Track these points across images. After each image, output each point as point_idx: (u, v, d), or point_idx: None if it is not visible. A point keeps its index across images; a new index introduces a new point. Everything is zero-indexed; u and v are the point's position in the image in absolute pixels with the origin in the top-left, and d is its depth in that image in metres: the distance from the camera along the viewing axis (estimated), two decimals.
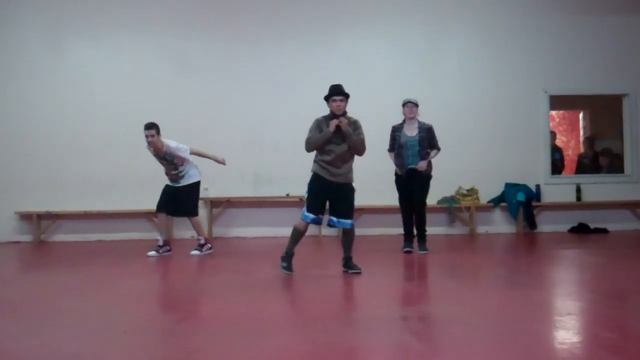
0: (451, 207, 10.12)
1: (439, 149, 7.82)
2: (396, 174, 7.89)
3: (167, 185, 8.28)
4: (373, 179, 9.76)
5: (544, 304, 4.86)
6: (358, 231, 10.05)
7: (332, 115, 6.21)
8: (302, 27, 10.48)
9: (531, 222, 10.24)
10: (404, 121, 7.86)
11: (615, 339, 3.68)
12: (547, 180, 10.57)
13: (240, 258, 7.88)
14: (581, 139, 13.38)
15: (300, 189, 9.80)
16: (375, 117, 9.82)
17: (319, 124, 6.24)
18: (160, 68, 10.37)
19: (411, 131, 7.75)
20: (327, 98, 6.26)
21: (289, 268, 6.27)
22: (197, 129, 10.15)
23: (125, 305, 4.94)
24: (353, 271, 6.31)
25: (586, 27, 10.66)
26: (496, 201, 10.36)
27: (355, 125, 6.30)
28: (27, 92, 10.29)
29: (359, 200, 9.87)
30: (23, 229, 10.18)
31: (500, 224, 10.46)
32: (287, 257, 6.30)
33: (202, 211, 10.19)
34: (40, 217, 10.11)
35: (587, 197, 10.52)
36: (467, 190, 10.21)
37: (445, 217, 10.22)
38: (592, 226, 10.28)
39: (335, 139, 6.15)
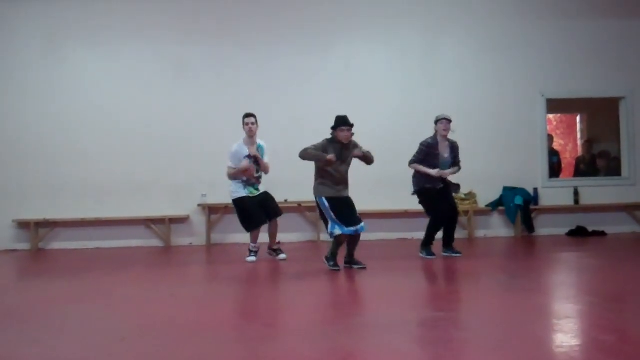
0: None
1: (460, 168, 7.84)
2: (428, 189, 7.59)
3: (249, 199, 7.76)
4: (372, 185, 9.77)
5: (542, 307, 4.85)
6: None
7: (337, 142, 6.76)
8: (299, 32, 10.48)
9: (529, 226, 10.24)
10: (435, 137, 7.61)
11: (614, 342, 3.68)
12: (544, 184, 10.57)
13: (238, 264, 7.86)
14: (579, 142, 13.41)
15: (298, 195, 9.82)
16: (373, 121, 9.88)
17: (325, 147, 6.75)
18: (158, 74, 10.37)
19: (445, 150, 7.61)
20: (334, 128, 6.78)
21: (335, 265, 6.83)
22: (196, 134, 10.20)
23: (124, 313, 4.93)
24: (359, 267, 6.84)
25: (583, 31, 10.68)
26: (494, 205, 10.36)
27: (356, 145, 6.94)
28: (24, 99, 10.29)
29: (357, 206, 9.92)
30: (21, 237, 10.16)
31: (498, 228, 10.47)
32: (332, 257, 6.86)
33: (200, 218, 10.21)
34: (38, 225, 10.10)
35: (585, 200, 10.52)
36: (465, 195, 10.20)
37: None
38: (590, 229, 10.28)
39: (341, 165, 6.79)
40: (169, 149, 10.24)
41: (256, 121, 7.87)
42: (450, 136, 7.67)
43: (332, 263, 6.82)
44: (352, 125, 6.76)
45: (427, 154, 7.55)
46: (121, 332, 4.22)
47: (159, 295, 5.71)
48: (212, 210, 10.18)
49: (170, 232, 10.16)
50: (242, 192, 7.78)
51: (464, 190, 10.23)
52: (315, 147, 6.76)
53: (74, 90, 10.31)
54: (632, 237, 10.03)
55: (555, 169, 11.23)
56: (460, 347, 3.69)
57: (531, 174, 10.55)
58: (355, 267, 6.85)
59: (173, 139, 10.25)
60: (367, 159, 6.91)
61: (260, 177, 7.91)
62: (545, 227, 10.42)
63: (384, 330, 4.09)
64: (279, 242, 8.08)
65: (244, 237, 10.13)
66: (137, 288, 6.24)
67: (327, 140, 6.82)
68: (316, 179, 6.88)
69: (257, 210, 7.73)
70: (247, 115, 7.90)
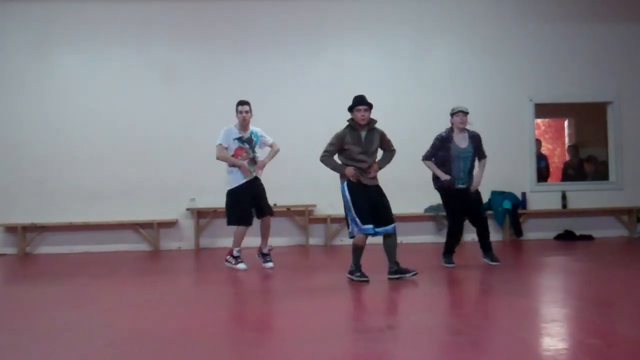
0: (438, 216, 10.14)
1: (485, 157, 7.43)
2: (449, 189, 7.21)
3: (244, 188, 7.27)
4: None
5: (529, 311, 4.87)
6: (345, 241, 10.14)
7: (356, 125, 6.28)
8: (288, 36, 10.48)
9: (517, 230, 10.28)
10: (451, 130, 7.27)
11: (600, 345, 3.70)
12: (532, 188, 10.62)
13: (227, 269, 7.84)
14: (566, 146, 13.49)
15: (287, 199, 9.84)
16: None
17: (341, 137, 6.27)
18: (147, 78, 10.33)
19: (462, 142, 7.18)
20: (351, 108, 6.31)
21: (363, 275, 6.23)
22: (183, 138, 10.16)
23: (111, 318, 4.90)
24: (410, 274, 6.29)
25: (571, 36, 10.75)
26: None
27: (383, 136, 6.43)
28: (13, 103, 10.23)
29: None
30: (8, 242, 10.09)
31: None
32: (357, 269, 6.28)
33: (189, 222, 10.19)
34: (25, 229, 10.03)
35: (572, 204, 10.58)
36: None
37: (432, 226, 10.24)
38: (577, 233, 10.32)
39: (363, 154, 6.24)
40: (158, 152, 10.21)
41: (250, 109, 7.41)
42: (469, 127, 7.33)
43: (357, 274, 6.22)
44: (370, 105, 6.26)
45: (439, 147, 7.22)
46: (108, 337, 4.20)
47: (146, 300, 5.68)
48: (200, 214, 10.15)
49: (159, 236, 10.12)
50: (240, 181, 7.26)
51: None
52: (333, 144, 6.26)
53: (63, 94, 10.26)
54: (619, 241, 10.09)
55: (543, 174, 11.28)
56: (448, 351, 3.70)
57: (519, 178, 10.58)
58: (405, 276, 6.25)
59: (161, 143, 10.22)
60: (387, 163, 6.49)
61: (255, 158, 7.41)
62: (533, 231, 10.46)
63: (373, 335, 4.09)
64: (271, 247, 7.64)
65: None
66: (125, 293, 6.21)
67: (341, 132, 6.29)
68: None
69: (247, 207, 7.27)
70: (241, 103, 7.38)
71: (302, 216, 10.06)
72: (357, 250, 6.26)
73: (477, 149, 7.28)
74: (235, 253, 7.40)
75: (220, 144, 7.35)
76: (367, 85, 10.43)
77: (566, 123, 13.73)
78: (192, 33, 10.40)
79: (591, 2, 10.84)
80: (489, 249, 7.39)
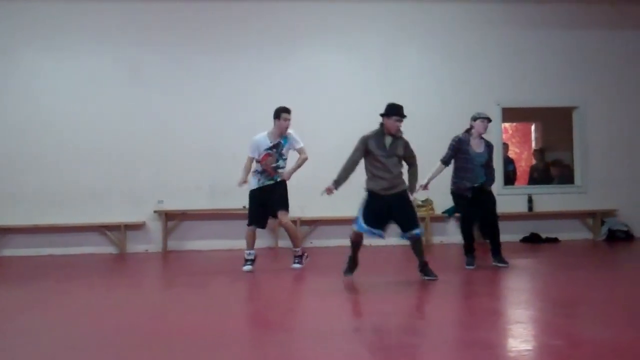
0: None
1: (494, 169, 7.59)
2: (459, 191, 7.36)
3: (255, 192, 7.42)
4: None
5: (494, 312, 4.92)
6: (315, 243, 10.15)
7: (384, 132, 6.28)
8: (259, 39, 10.44)
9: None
10: (468, 133, 7.35)
11: (563, 346, 3.75)
12: (499, 191, 10.67)
13: (195, 272, 7.79)
14: (533, 150, 13.67)
15: None
16: (333, 127, 9.94)
17: (365, 140, 6.28)
18: (115, 79, 10.21)
19: (479, 147, 7.29)
20: (386, 115, 6.28)
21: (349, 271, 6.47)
22: (153, 140, 10.07)
23: (75, 321, 4.83)
24: (429, 278, 6.33)
25: (538, 42, 10.91)
26: (450, 212, 10.44)
27: (407, 145, 6.43)
28: None
29: (316, 212, 9.94)
30: None
31: (454, 234, 10.54)
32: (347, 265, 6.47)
33: (157, 224, 10.08)
34: None
35: (538, 207, 10.73)
36: (422, 201, 10.29)
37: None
38: (543, 236, 10.47)
39: (385, 159, 6.25)
40: (125, 154, 10.09)
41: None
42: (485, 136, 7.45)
43: (346, 270, 6.45)
44: (404, 117, 6.25)
45: (457, 149, 7.26)
46: (71, 340, 4.14)
47: (111, 304, 5.62)
48: (168, 217, 10.06)
49: (126, 238, 10.00)
50: (253, 184, 7.41)
51: (420, 197, 10.33)
52: (358, 149, 6.29)
53: (27, 95, 10.07)
54: (583, 243, 10.25)
55: (510, 177, 11.41)
56: (412, 352, 3.71)
57: None
58: (426, 278, 6.32)
59: (129, 144, 10.11)
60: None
61: (278, 168, 7.39)
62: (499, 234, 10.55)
63: (335, 336, 4.09)
64: (296, 251, 7.53)
65: (200, 244, 10.12)
66: (90, 296, 6.13)
67: (366, 136, 6.29)
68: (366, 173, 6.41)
69: (256, 209, 7.38)
70: (288, 111, 7.44)
71: (273, 219, 10.02)
72: (352, 245, 6.41)
73: (490, 158, 7.39)
74: (245, 255, 7.40)
75: (250, 156, 7.44)
76: (337, 88, 10.48)
77: (533, 127, 13.92)
78: (162, 34, 10.30)
79: (557, 10, 11.02)
80: (499, 251, 7.49)
